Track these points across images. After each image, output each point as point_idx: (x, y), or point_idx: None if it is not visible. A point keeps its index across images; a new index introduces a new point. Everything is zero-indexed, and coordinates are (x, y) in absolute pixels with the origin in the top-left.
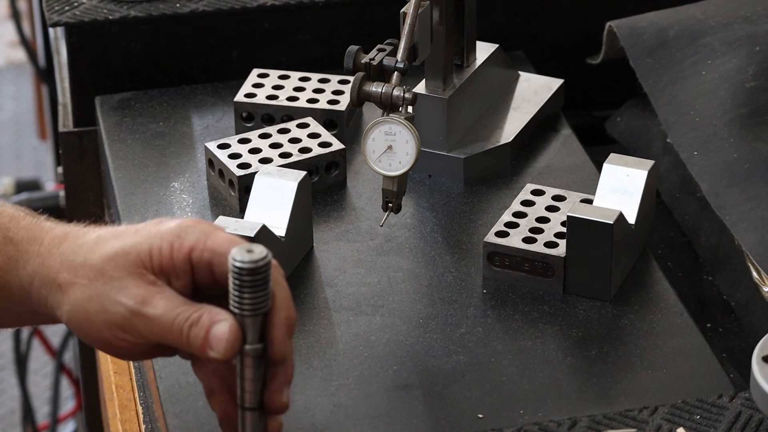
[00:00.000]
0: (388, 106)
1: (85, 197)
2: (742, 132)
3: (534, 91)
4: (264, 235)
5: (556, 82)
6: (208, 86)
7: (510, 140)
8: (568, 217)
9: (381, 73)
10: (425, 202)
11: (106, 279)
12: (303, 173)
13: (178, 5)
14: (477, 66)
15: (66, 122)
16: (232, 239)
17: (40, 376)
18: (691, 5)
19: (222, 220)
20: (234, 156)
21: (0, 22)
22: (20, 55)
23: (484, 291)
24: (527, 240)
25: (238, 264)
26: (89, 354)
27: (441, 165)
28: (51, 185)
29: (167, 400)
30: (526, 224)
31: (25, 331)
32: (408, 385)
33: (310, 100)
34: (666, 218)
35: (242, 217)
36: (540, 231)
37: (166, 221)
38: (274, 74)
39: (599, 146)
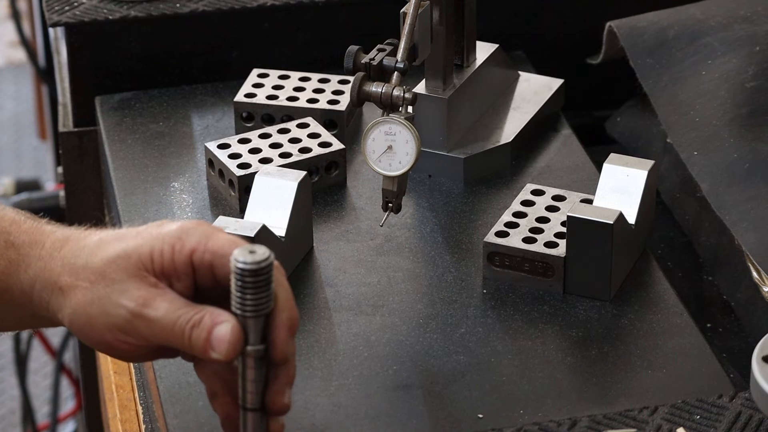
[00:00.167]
0: (388, 106)
1: (85, 197)
2: (742, 132)
3: (534, 91)
4: (264, 235)
5: (556, 82)
6: (208, 86)
7: (510, 140)
8: (568, 217)
9: (381, 73)
10: (425, 202)
11: (108, 282)
12: (303, 173)
13: (178, 5)
14: (477, 66)
15: (66, 122)
16: (234, 240)
17: (40, 376)
18: (691, 5)
19: (222, 220)
20: (234, 156)
21: (0, 22)
22: (20, 55)
23: (484, 291)
24: (527, 240)
25: (240, 265)
26: (89, 354)
27: (441, 165)
28: (51, 185)
29: (167, 400)
30: (526, 224)
31: (25, 332)
32: (408, 385)
33: (310, 100)
34: (666, 218)
35: (242, 217)
36: (540, 231)
37: (167, 223)
38: (274, 74)
39: (599, 146)
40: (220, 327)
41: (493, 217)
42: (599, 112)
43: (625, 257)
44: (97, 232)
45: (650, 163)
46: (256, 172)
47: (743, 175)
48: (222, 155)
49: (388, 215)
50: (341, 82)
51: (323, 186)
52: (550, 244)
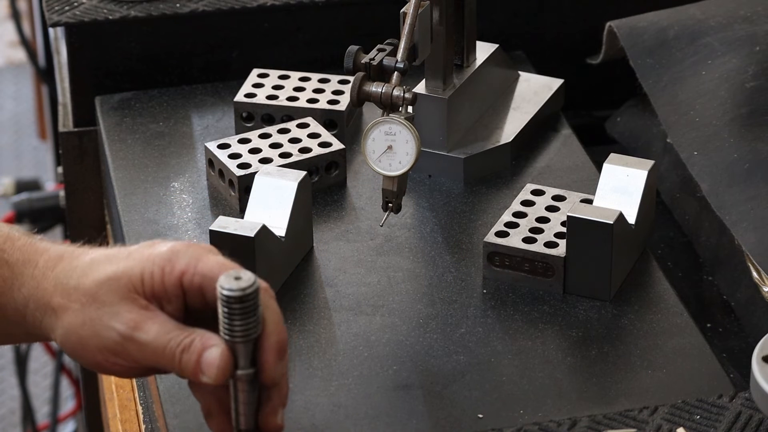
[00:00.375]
0: (388, 106)
1: (85, 197)
2: (742, 132)
3: (534, 91)
4: (264, 235)
5: (556, 82)
6: (208, 86)
7: (510, 140)
8: (568, 217)
9: (381, 73)
10: (425, 202)
11: (99, 304)
12: (303, 173)
13: (178, 5)
14: (477, 66)
15: (66, 122)
16: (223, 263)
17: (40, 376)
18: (691, 5)
19: (222, 220)
20: (234, 156)
21: (0, 22)
22: (20, 55)
23: (484, 291)
24: (527, 240)
25: (226, 292)
26: None
27: (441, 165)
28: (51, 185)
29: (167, 400)
30: (526, 224)
31: None
32: (408, 385)
33: (310, 100)
34: (666, 218)
35: (242, 217)
36: (540, 231)
37: (158, 244)
38: (274, 74)
39: (599, 146)
40: (210, 351)
41: (493, 217)
42: (599, 112)
43: (625, 257)
44: (89, 251)
45: (650, 163)
46: (256, 172)
47: (743, 175)
48: (222, 155)
49: (388, 215)
50: (341, 82)
51: (323, 186)
52: (550, 244)
